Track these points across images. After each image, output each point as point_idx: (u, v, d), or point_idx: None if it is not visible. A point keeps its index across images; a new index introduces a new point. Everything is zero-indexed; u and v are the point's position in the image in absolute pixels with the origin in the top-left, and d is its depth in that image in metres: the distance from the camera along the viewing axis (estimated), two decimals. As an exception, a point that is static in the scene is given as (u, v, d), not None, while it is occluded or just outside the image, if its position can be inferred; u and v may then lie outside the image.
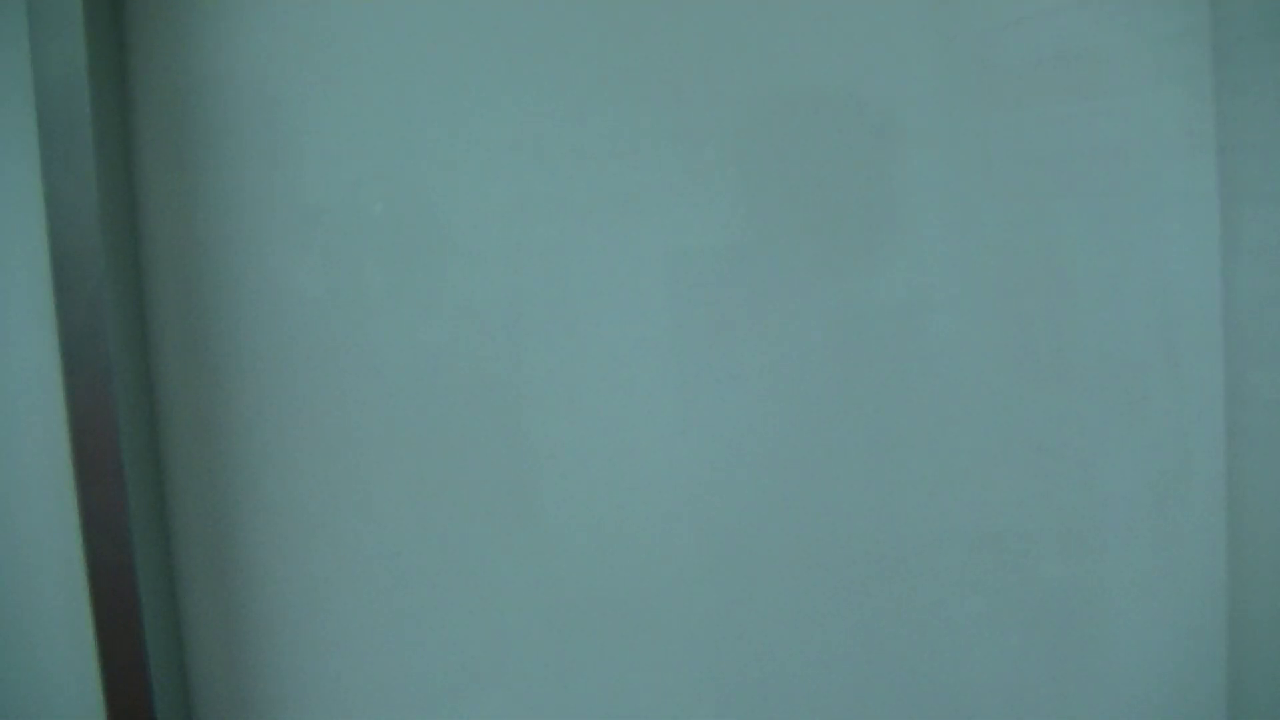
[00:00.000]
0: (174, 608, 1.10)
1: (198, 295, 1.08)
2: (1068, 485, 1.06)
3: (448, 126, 1.07)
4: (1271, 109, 0.98)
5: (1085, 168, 1.03)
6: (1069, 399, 1.05)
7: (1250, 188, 1.00)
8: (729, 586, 1.09)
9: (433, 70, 1.06)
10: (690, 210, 1.06)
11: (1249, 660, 1.04)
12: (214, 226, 1.08)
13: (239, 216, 1.08)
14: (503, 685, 1.12)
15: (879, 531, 1.08)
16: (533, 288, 1.07)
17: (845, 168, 1.04)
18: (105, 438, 1.01)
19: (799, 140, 1.05)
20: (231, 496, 1.11)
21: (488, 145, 1.06)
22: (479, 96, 1.06)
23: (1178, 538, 1.05)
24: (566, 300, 1.07)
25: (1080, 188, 1.03)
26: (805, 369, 1.07)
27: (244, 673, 1.13)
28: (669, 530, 1.09)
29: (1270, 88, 0.98)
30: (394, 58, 1.07)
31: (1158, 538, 1.05)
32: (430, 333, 1.09)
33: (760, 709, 1.10)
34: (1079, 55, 1.01)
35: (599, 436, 1.08)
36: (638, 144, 1.05)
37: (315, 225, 1.08)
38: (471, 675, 1.12)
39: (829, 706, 1.10)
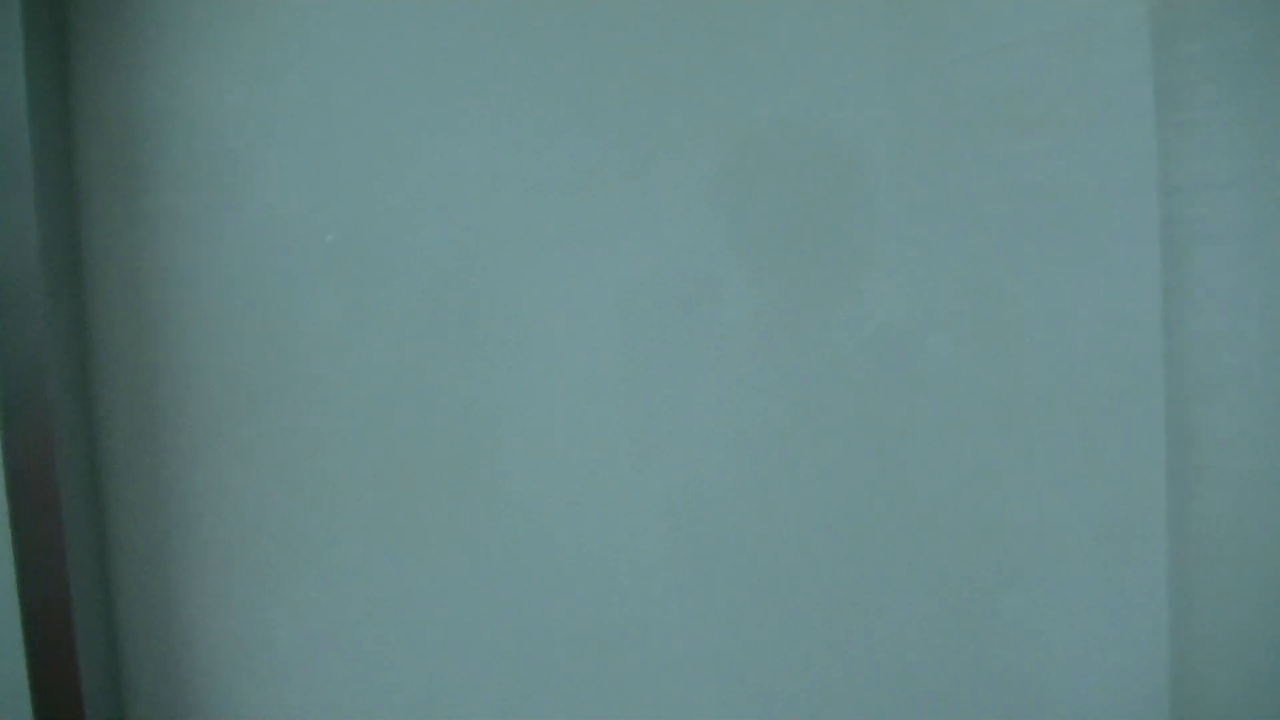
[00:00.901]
0: (113, 646, 1.09)
1: (142, 327, 1.07)
2: (1013, 522, 1.06)
3: (401, 155, 1.06)
4: (1214, 150, 0.99)
5: (1035, 204, 1.04)
6: (1016, 435, 1.05)
7: (1194, 227, 1.01)
8: (687, 616, 1.09)
9: (386, 100, 1.06)
10: (649, 242, 1.06)
11: (1192, 699, 1.05)
12: (160, 260, 1.07)
13: (185, 250, 1.07)
14: (461, 714, 1.11)
15: (831, 563, 1.08)
16: (489, 319, 1.07)
17: (805, 202, 1.05)
18: (44, 469, 0.99)
19: (759, 174, 1.05)
20: (175, 525, 1.09)
21: (444, 174, 1.06)
22: (434, 125, 1.06)
23: (1121, 574, 1.06)
24: (524, 331, 1.07)
25: (1030, 224, 1.04)
26: (758, 402, 1.07)
27: (184, 708, 1.11)
28: (629, 563, 1.09)
29: (1212, 129, 0.99)
30: (347, 87, 1.06)
31: (1101, 574, 1.06)
32: (384, 364, 1.08)
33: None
34: (1029, 94, 1.02)
35: (555, 469, 1.08)
36: (597, 175, 1.05)
37: (267, 254, 1.07)
38: (430, 706, 1.11)
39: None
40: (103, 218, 1.06)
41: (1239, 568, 1.03)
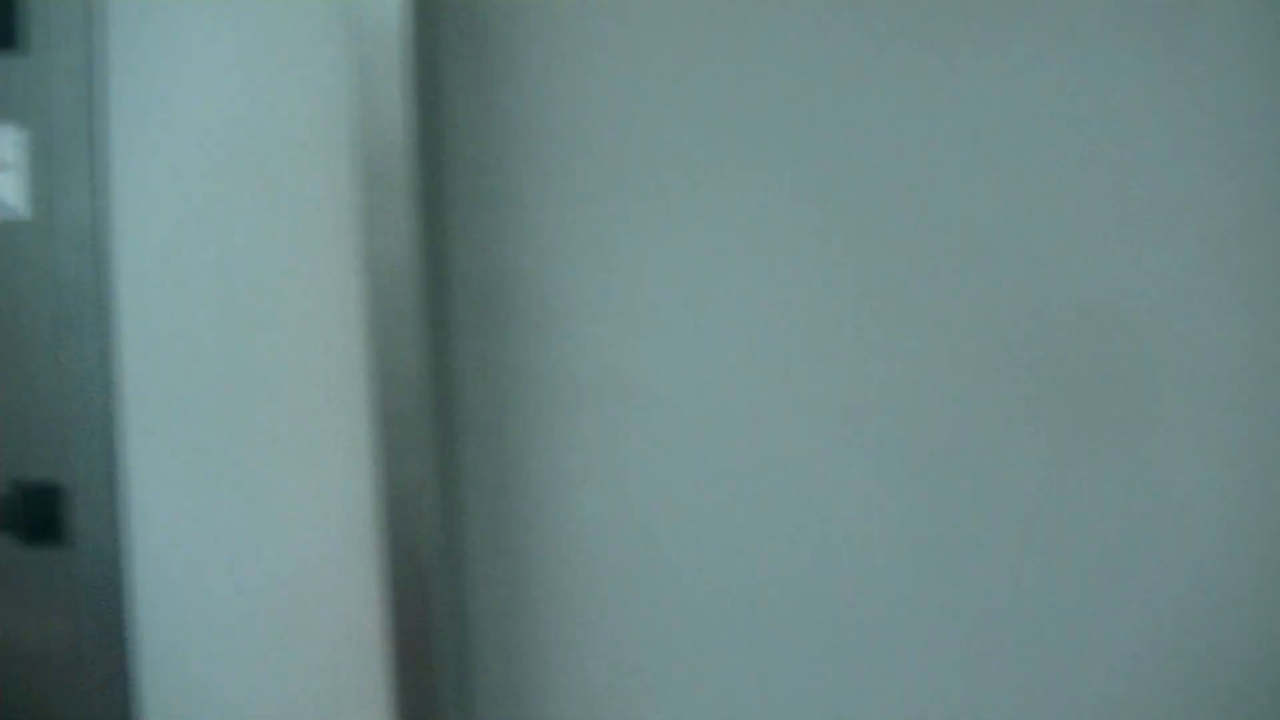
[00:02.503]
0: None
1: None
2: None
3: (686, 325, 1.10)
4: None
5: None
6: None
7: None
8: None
9: (674, 277, 1.10)
10: (926, 424, 1.06)
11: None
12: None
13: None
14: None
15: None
16: (770, 490, 1.10)
17: (1101, 377, 1.02)
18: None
19: (1049, 348, 1.02)
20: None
21: (729, 346, 1.10)
22: (725, 299, 1.09)
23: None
24: (806, 515, 1.09)
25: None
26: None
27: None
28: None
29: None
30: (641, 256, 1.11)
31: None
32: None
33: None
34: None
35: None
36: (876, 352, 1.06)
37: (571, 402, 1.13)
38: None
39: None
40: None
41: None
